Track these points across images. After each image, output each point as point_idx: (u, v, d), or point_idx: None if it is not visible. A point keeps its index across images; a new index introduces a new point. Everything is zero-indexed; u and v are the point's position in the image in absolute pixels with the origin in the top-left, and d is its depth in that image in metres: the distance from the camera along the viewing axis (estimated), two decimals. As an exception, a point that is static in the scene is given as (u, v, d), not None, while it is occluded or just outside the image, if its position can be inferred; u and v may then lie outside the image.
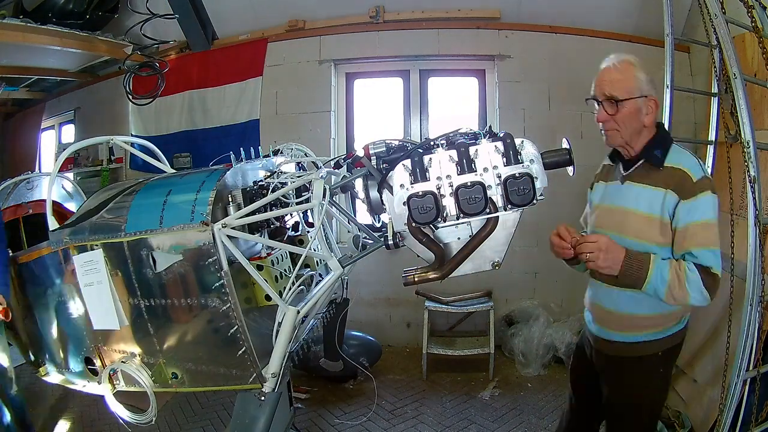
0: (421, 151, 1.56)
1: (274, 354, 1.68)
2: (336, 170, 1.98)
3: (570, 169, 1.64)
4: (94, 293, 1.82)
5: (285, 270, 2.00)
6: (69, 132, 5.61)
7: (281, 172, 2.04)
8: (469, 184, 1.48)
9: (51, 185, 2.12)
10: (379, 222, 1.90)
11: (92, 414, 3.12)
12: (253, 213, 1.71)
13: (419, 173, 1.52)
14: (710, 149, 3.07)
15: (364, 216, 2.00)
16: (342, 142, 4.42)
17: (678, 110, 2.92)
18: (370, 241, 1.84)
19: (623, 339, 1.74)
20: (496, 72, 4.11)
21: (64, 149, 2.28)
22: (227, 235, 1.65)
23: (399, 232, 1.63)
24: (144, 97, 4.09)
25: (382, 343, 3.95)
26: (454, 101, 4.51)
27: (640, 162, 1.69)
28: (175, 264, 1.72)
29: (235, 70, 4.43)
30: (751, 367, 2.18)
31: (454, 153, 1.54)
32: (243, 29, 4.44)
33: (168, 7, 3.96)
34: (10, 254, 2.35)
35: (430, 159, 1.55)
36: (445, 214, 1.50)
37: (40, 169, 5.52)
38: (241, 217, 1.69)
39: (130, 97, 4.07)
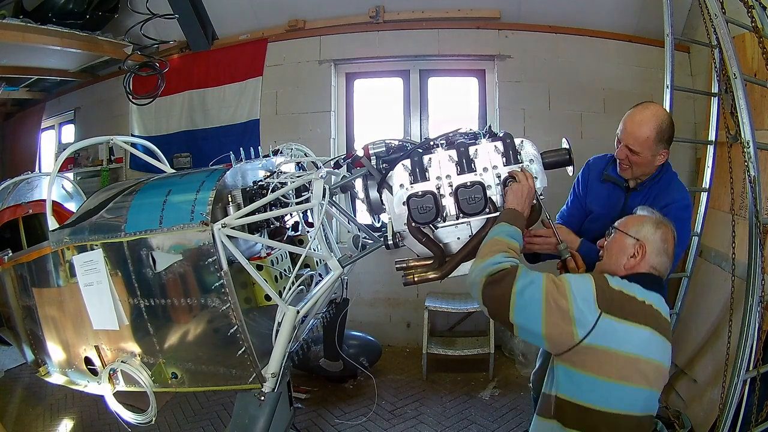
0: (420, 151, 1.56)
1: (273, 354, 1.68)
2: (336, 170, 1.98)
3: (569, 169, 1.64)
4: (93, 293, 1.83)
5: (285, 270, 2.00)
6: (69, 132, 5.61)
7: (281, 172, 2.05)
8: (468, 183, 1.48)
9: (51, 185, 2.12)
10: (379, 222, 1.90)
11: (92, 414, 3.12)
12: (252, 213, 1.72)
13: (419, 173, 1.52)
14: (710, 149, 3.06)
15: (364, 216, 2.01)
16: (342, 142, 4.41)
17: (678, 110, 2.91)
18: (370, 241, 1.84)
19: None
20: (496, 72, 4.10)
21: (64, 149, 2.28)
22: (227, 235, 1.65)
23: (399, 232, 1.63)
24: (144, 97, 4.08)
25: (382, 343, 3.93)
26: (454, 101, 4.50)
27: None
28: (175, 264, 1.72)
29: (235, 70, 4.43)
30: (751, 367, 2.18)
31: (453, 153, 1.54)
32: (243, 29, 4.43)
33: (168, 7, 3.95)
34: (10, 254, 2.35)
35: (430, 159, 1.55)
36: (444, 214, 1.51)
37: (40, 169, 5.51)
38: (240, 217, 1.69)
39: (130, 97, 4.07)
